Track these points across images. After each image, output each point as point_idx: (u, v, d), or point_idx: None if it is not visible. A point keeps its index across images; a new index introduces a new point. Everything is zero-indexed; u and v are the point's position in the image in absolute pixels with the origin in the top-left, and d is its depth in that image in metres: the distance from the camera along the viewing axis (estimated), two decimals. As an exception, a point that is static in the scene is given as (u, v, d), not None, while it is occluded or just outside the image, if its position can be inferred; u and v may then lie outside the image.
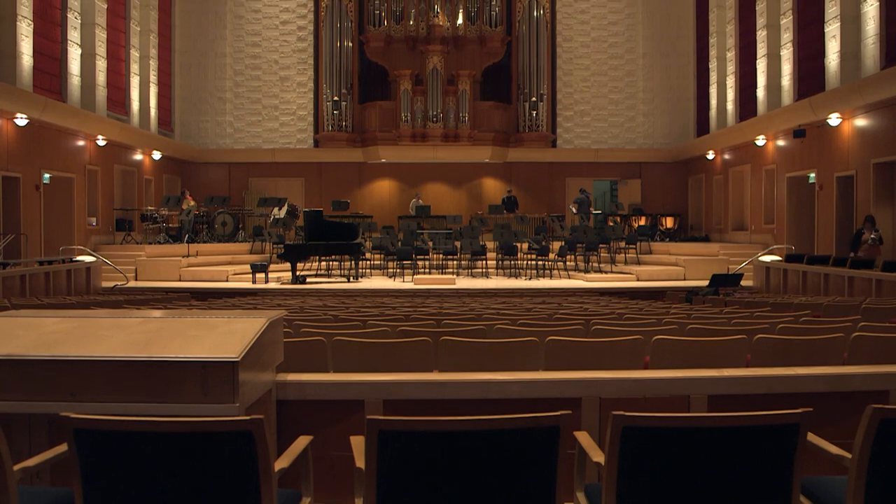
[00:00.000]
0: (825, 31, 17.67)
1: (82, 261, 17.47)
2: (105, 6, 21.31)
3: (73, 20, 19.80)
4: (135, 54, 23.84)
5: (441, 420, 2.61)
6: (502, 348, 5.38)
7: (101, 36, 21.04)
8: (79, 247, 19.35)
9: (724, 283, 15.04)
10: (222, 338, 3.37)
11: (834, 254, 16.23)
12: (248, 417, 2.58)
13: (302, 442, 3.21)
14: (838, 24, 17.05)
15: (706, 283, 15.34)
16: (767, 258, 17.67)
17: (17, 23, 17.03)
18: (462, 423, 2.60)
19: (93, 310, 7.33)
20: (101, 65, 21.09)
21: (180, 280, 19.47)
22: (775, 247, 19.71)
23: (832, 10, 17.33)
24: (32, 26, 17.65)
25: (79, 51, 20.12)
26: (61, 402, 3.14)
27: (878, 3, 15.92)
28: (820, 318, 7.91)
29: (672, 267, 20.28)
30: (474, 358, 5.21)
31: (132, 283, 18.76)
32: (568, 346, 5.34)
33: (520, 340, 5.44)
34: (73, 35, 19.83)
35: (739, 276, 15.85)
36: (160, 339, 3.39)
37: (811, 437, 3.00)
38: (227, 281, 19.53)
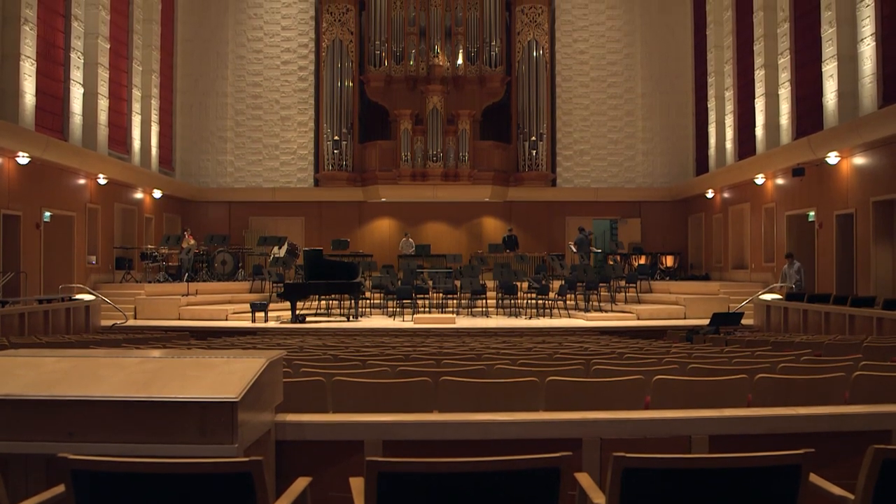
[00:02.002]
0: (823, 70, 17.80)
1: (81, 299, 17.44)
2: (108, 46, 21.49)
3: (76, 60, 19.96)
4: (137, 94, 24.02)
5: (441, 462, 2.59)
6: (502, 388, 5.36)
7: (103, 75, 21.21)
8: (78, 285, 19.33)
9: (724, 321, 15.01)
10: (221, 378, 3.36)
11: (834, 292, 16.22)
12: (246, 459, 2.56)
13: (301, 483, 3.19)
14: (835, 63, 17.19)
15: (707, 321, 15.31)
16: (768, 297, 17.64)
17: (21, 62, 17.17)
18: (463, 464, 2.58)
19: (92, 349, 7.31)
20: (103, 104, 21.23)
21: (179, 319, 19.43)
22: (776, 285, 19.69)
23: (829, 49, 17.47)
24: (35, 66, 17.79)
25: (81, 90, 20.26)
26: (59, 442, 3.12)
27: (874, 43, 16.06)
28: (821, 357, 7.88)
29: (672, 306, 20.25)
30: (474, 398, 5.18)
31: (131, 322, 18.73)
32: (568, 387, 5.31)
33: (520, 381, 5.42)
34: (76, 74, 19.97)
35: (740, 315, 15.83)
36: (159, 379, 3.38)
37: (813, 477, 2.98)
38: (226, 320, 19.50)
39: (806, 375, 5.75)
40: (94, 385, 3.34)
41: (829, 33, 17.48)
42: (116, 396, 3.20)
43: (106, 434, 3.16)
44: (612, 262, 23.86)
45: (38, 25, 17.93)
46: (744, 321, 16.04)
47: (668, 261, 25.62)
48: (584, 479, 3.23)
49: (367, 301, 21.39)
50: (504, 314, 20.82)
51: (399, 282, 21.34)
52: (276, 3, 28.24)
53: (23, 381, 3.39)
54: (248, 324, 18.60)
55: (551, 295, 20.79)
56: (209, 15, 28.01)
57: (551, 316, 20.40)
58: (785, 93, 20.15)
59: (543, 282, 21.01)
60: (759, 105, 21.44)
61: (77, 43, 20.01)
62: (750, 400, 5.42)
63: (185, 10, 27.93)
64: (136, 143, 23.99)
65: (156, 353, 4.72)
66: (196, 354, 4.06)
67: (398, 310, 20.66)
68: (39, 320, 15.05)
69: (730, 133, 24.02)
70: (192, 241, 23.47)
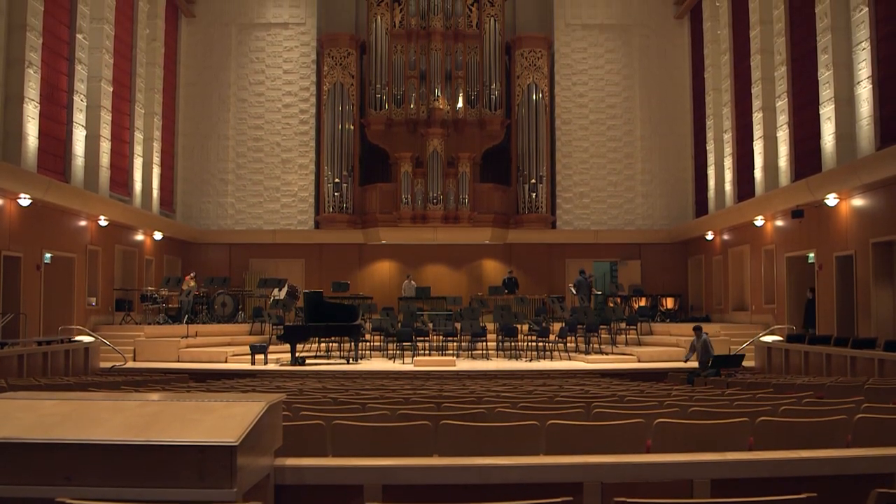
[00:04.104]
0: (820, 112, 17.95)
1: (81, 341, 17.40)
2: (111, 89, 21.68)
3: (79, 102, 20.12)
4: (138, 136, 24.18)
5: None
6: (503, 432, 5.33)
7: (105, 118, 21.38)
8: (78, 327, 19.31)
9: (725, 364, 14.98)
10: (221, 421, 3.35)
11: (835, 334, 16.19)
12: (245, 503, 2.54)
13: (300, 528, 3.16)
14: (833, 105, 17.33)
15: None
16: (769, 338, 17.61)
17: (24, 105, 17.31)
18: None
19: (91, 391, 7.29)
20: (105, 146, 21.37)
21: (179, 361, 19.38)
22: (776, 327, 19.66)
23: (826, 92, 17.62)
24: (39, 108, 17.93)
25: (84, 132, 20.40)
26: (57, 486, 3.09)
27: (871, 86, 16.21)
28: (823, 399, 7.85)
29: (673, 348, 20.19)
30: (475, 442, 5.16)
31: (130, 364, 18.66)
32: (569, 430, 5.29)
33: (520, 424, 5.40)
34: (79, 117, 20.13)
35: (741, 357, 15.79)
36: (158, 423, 3.36)
37: (817, 522, 2.96)
38: (225, 362, 19.44)
39: (808, 418, 5.73)
40: (92, 428, 3.32)
41: (826, 76, 17.65)
42: (115, 440, 3.18)
43: (104, 478, 3.14)
44: (612, 305, 23.86)
45: (41, 68, 18.10)
46: (745, 363, 16.00)
47: (669, 303, 25.60)
48: (585, 523, 3.20)
49: (368, 343, 21.34)
50: (504, 357, 20.75)
51: (399, 324, 21.31)
52: (277, 47, 28.52)
53: (21, 424, 3.37)
54: (247, 366, 18.54)
55: (552, 337, 20.75)
56: (211, 58, 28.28)
57: (552, 358, 20.34)
58: (783, 135, 20.28)
59: (544, 324, 20.97)
60: (758, 147, 21.56)
61: (80, 86, 20.19)
62: (752, 443, 5.40)
63: (188, 54, 28.23)
64: (138, 185, 24.10)
65: (155, 396, 4.70)
66: (195, 397, 4.05)
67: (398, 352, 20.61)
68: (38, 362, 15.00)
69: (729, 175, 24.13)
70: (193, 283, 23.46)
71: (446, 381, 13.11)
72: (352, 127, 27.98)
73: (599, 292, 25.16)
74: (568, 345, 20.90)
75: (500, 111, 28.07)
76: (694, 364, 16.31)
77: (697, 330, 16.58)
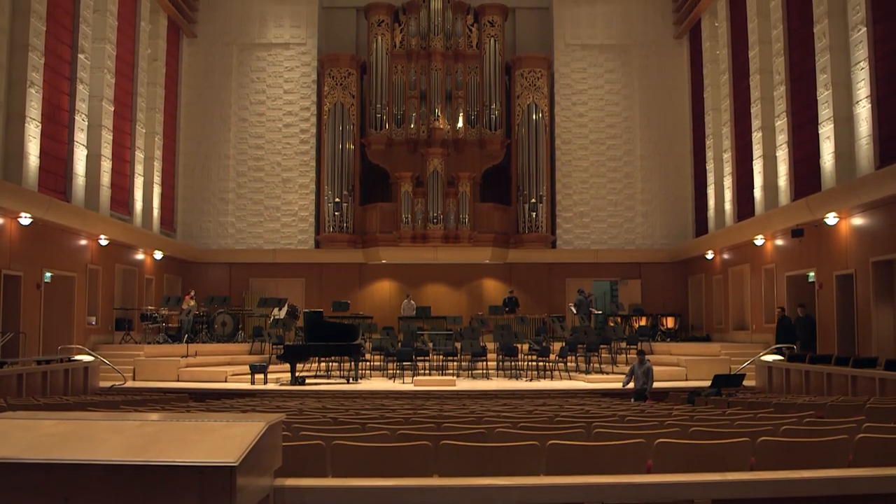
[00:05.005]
0: (819, 132, 17.99)
1: (80, 360, 17.37)
2: (112, 109, 21.76)
3: (81, 122, 20.18)
4: (139, 155, 24.24)
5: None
6: (503, 452, 5.31)
7: (107, 137, 21.44)
8: (77, 346, 19.28)
9: (726, 383, 14.94)
10: (220, 442, 3.33)
11: (836, 352, 16.16)
12: (244, 524, 2.53)
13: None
14: (832, 125, 17.38)
15: (708, 383, 15.23)
16: (769, 357, 17.57)
17: (26, 124, 17.37)
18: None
19: (90, 411, 7.27)
20: (106, 165, 21.42)
21: (178, 380, 19.36)
22: (777, 346, 19.62)
23: (825, 111, 17.68)
24: (40, 127, 17.99)
25: (85, 152, 20.45)
26: (54, 507, 3.08)
27: (869, 105, 16.26)
28: (824, 418, 7.83)
29: (673, 367, 20.17)
30: (475, 462, 5.14)
31: (130, 383, 18.64)
32: (569, 450, 5.27)
33: (521, 444, 5.38)
34: (80, 136, 20.18)
35: (742, 377, 15.76)
36: (157, 443, 3.35)
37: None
38: (225, 382, 19.42)
39: (809, 438, 5.70)
40: (91, 449, 3.31)
41: (824, 96, 17.70)
42: (114, 460, 3.17)
43: (103, 499, 3.12)
44: (612, 324, 23.85)
45: (43, 88, 18.18)
46: (745, 382, 15.96)
47: (669, 322, 25.59)
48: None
49: (367, 363, 21.30)
50: (505, 376, 20.71)
51: (399, 343, 21.28)
52: (278, 67, 28.64)
53: (19, 443, 3.36)
54: (247, 386, 18.52)
55: (552, 357, 20.71)
56: (213, 78, 28.38)
57: (552, 378, 20.30)
58: (783, 154, 20.32)
59: (544, 343, 20.94)
60: (758, 167, 21.60)
61: (82, 105, 20.26)
62: (753, 463, 5.38)
63: (189, 74, 28.34)
64: (139, 205, 24.14)
65: (154, 415, 4.69)
66: (195, 417, 4.04)
67: (398, 372, 20.57)
68: (38, 381, 14.97)
69: (728, 194, 24.16)
70: (193, 303, 23.44)
71: (446, 401, 13.08)
72: (352, 146, 28.05)
73: (599, 311, 25.13)
74: (568, 364, 20.86)
75: (500, 131, 28.14)
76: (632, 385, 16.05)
77: (641, 354, 16.36)
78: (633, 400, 14.29)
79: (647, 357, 16.43)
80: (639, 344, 19.98)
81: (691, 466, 4.93)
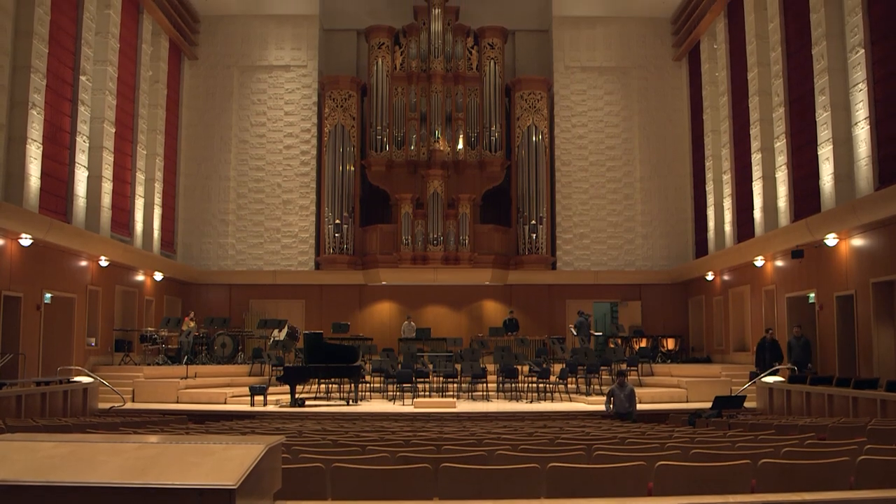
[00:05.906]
0: (819, 153, 18.04)
1: (79, 382, 17.33)
2: (113, 130, 21.83)
3: (82, 143, 20.24)
4: (140, 177, 24.29)
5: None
6: (504, 475, 5.30)
7: (108, 159, 21.49)
8: (76, 367, 19.23)
9: (727, 405, 14.88)
10: (220, 464, 3.33)
11: (837, 374, 16.12)
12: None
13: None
14: (831, 146, 17.43)
15: (709, 405, 15.18)
16: (770, 379, 17.53)
17: (27, 145, 17.42)
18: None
19: (89, 433, 7.25)
20: (107, 187, 21.45)
21: (178, 402, 19.29)
22: (778, 367, 19.57)
23: (824, 133, 17.73)
24: (42, 149, 18.04)
25: (85, 173, 20.49)
26: (53, 530, 3.07)
27: (868, 126, 16.32)
28: (825, 440, 7.80)
29: (674, 389, 20.12)
30: (475, 485, 5.12)
31: (129, 405, 18.58)
32: (570, 473, 5.25)
33: (521, 467, 5.36)
34: (81, 158, 20.24)
35: (742, 399, 15.70)
36: (157, 465, 3.34)
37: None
38: (225, 403, 19.36)
39: (810, 460, 5.69)
40: (90, 471, 3.30)
41: (823, 117, 17.77)
42: (113, 483, 3.16)
43: (101, 522, 3.11)
44: (612, 346, 23.81)
45: (45, 109, 18.26)
46: (746, 404, 15.90)
47: (669, 343, 25.54)
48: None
49: (367, 385, 21.23)
50: (505, 398, 20.64)
51: (399, 365, 21.23)
52: (279, 89, 28.74)
53: (18, 466, 3.35)
54: (246, 407, 18.46)
55: (552, 378, 20.65)
56: (213, 100, 28.49)
57: (552, 399, 20.24)
58: (782, 176, 20.36)
59: (544, 365, 20.89)
60: (757, 188, 21.64)
61: (83, 127, 20.33)
62: (754, 485, 5.36)
63: (190, 96, 28.45)
64: (139, 226, 24.15)
65: (153, 438, 4.68)
66: (194, 440, 4.03)
67: (398, 394, 20.51)
68: (37, 402, 14.93)
69: (728, 216, 24.19)
70: (192, 324, 23.41)
71: (446, 423, 13.04)
72: (352, 168, 28.11)
73: (599, 333, 25.10)
74: (569, 386, 20.80)
75: (500, 153, 28.21)
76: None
77: (621, 375, 15.94)
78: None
79: (626, 379, 16.04)
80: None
81: (692, 489, 4.91)
